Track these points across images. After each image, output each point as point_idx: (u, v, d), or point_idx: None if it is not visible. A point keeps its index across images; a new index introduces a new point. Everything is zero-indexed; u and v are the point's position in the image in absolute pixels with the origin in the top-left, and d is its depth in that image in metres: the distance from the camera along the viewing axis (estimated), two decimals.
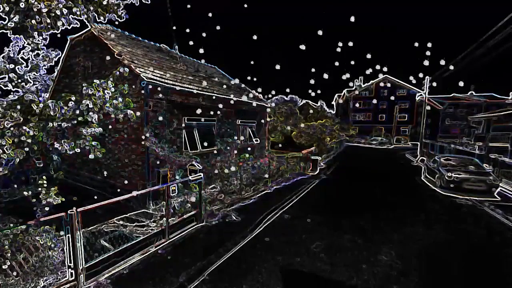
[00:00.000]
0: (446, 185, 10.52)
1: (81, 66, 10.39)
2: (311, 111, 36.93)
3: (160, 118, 8.52)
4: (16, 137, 3.69)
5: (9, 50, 4.02)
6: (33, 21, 3.72)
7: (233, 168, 9.06)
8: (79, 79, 10.42)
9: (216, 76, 14.92)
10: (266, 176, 10.94)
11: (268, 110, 17.14)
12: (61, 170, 11.37)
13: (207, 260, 4.97)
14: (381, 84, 47.32)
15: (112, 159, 9.38)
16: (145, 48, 11.39)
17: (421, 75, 7.07)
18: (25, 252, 4.08)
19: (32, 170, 10.75)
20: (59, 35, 4.16)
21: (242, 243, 5.73)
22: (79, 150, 4.19)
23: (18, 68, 4.06)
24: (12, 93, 4.13)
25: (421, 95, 22.63)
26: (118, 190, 8.60)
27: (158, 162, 8.36)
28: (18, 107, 3.77)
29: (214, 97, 11.06)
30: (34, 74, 4.20)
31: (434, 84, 19.46)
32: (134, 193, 5.26)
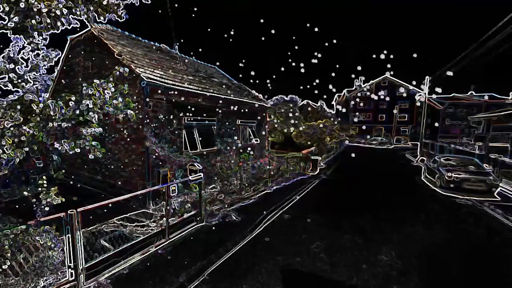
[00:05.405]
0: (446, 185, 10.52)
1: (81, 66, 10.39)
2: (309, 108, 36.90)
3: (160, 118, 8.52)
4: (16, 137, 3.68)
5: (9, 50, 4.01)
6: (33, 21, 3.72)
7: (233, 168, 9.06)
8: (79, 79, 10.42)
9: (216, 76, 14.92)
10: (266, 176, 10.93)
11: (268, 110, 17.14)
12: (61, 170, 11.37)
13: (207, 260, 4.97)
14: (381, 84, 47.38)
15: (112, 159, 9.38)
16: (145, 48, 11.40)
17: (421, 74, 7.02)
18: (25, 252, 4.08)
19: (32, 170, 10.75)
20: (59, 35, 4.16)
21: (242, 243, 5.73)
22: (79, 150, 4.19)
23: (18, 68, 4.05)
24: (12, 93, 4.13)
25: (420, 95, 22.56)
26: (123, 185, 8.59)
27: (158, 162, 8.36)
28: (18, 107, 3.77)
29: (214, 97, 11.06)
30: (34, 74, 4.19)
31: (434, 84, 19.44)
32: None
